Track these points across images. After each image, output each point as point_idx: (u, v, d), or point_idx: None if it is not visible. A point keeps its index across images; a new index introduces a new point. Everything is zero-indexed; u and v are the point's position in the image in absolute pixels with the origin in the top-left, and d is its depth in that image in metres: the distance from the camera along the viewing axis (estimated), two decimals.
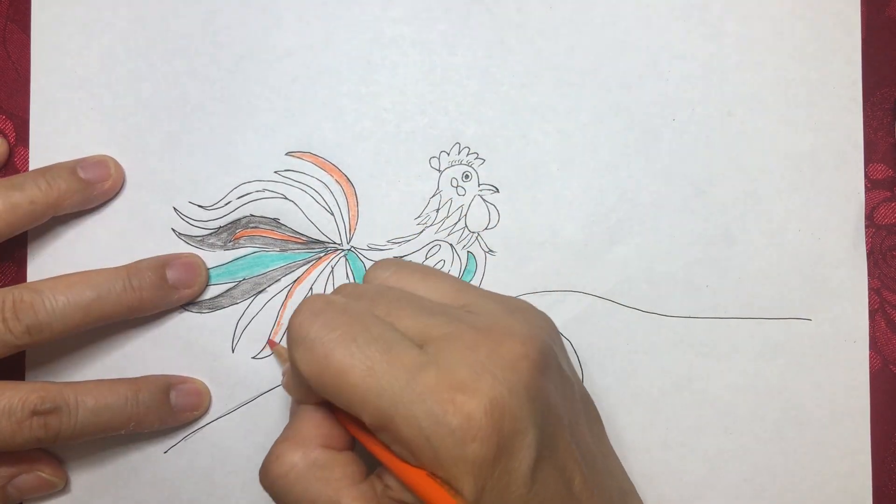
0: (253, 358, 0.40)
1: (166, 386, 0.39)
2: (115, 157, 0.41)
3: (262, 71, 0.41)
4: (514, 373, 0.29)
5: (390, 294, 0.32)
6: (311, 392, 0.31)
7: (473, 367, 0.28)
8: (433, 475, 0.28)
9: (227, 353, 0.40)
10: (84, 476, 0.41)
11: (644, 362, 0.41)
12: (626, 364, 0.41)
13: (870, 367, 0.41)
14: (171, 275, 0.39)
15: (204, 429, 0.40)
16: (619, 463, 0.36)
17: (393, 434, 0.28)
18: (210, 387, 0.40)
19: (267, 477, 0.32)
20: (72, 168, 0.39)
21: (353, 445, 0.33)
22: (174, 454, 0.40)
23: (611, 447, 0.36)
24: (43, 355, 0.40)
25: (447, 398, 0.28)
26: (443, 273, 0.35)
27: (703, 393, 0.41)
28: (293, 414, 0.34)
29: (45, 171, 0.39)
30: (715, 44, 0.41)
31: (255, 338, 0.40)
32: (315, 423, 0.32)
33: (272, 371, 0.40)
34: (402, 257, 0.41)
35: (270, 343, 0.40)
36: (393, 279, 0.34)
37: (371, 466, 0.32)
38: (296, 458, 0.31)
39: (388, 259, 0.39)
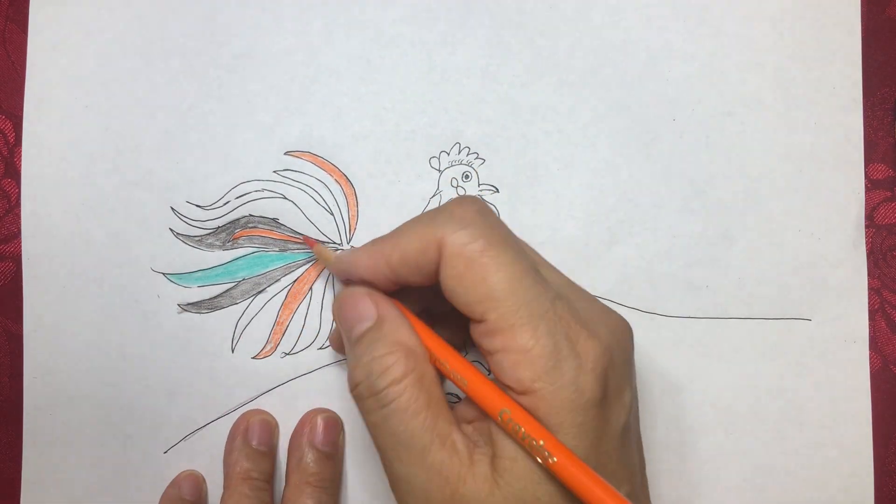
0: (253, 358, 0.40)
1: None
2: (110, 156, 0.40)
3: (260, 70, 0.41)
4: (622, 339, 0.31)
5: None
6: (392, 269, 0.32)
7: (594, 318, 0.30)
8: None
9: (227, 353, 0.40)
10: (84, 476, 0.40)
11: (644, 362, 0.41)
12: None
13: (870, 367, 0.41)
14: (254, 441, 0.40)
15: (204, 429, 0.40)
16: None
17: (511, 341, 0.29)
18: (210, 387, 0.40)
19: (370, 376, 0.32)
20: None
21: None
22: (174, 454, 0.40)
23: None
24: (43, 355, 0.40)
25: (576, 329, 0.29)
26: None
27: (703, 393, 0.41)
28: (357, 318, 0.33)
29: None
30: (715, 44, 0.41)
31: (254, 338, 0.40)
32: (413, 334, 0.33)
33: (272, 371, 0.40)
34: None
35: (307, 239, 0.40)
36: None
37: None
38: (408, 366, 0.31)
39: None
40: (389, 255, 0.32)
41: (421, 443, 0.30)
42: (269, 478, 0.39)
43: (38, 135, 0.41)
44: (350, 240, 0.41)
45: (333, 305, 0.35)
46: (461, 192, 0.41)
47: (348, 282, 0.35)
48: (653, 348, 0.41)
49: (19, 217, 0.41)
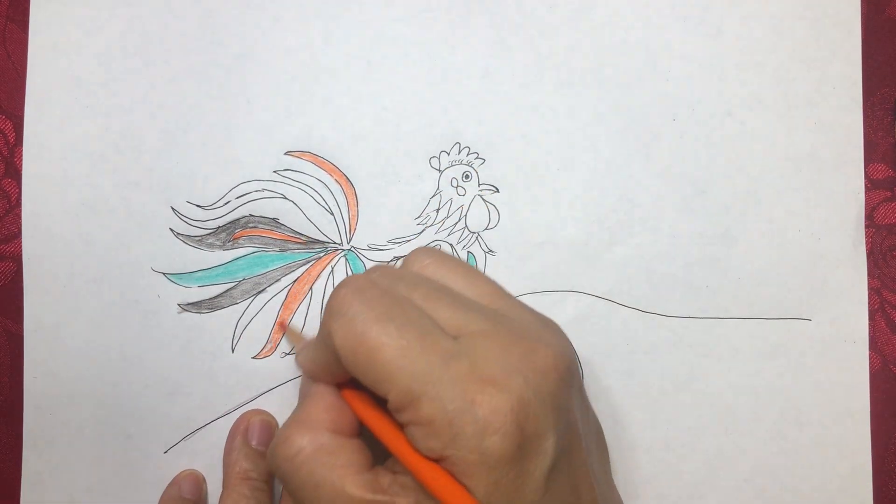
0: (253, 358, 0.40)
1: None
2: (110, 156, 0.40)
3: (260, 70, 0.41)
4: (544, 380, 0.29)
5: (429, 284, 0.32)
6: (330, 369, 0.32)
7: (505, 366, 0.29)
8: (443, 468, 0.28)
9: (226, 353, 0.40)
10: (84, 476, 0.40)
11: (644, 362, 0.41)
12: (626, 364, 0.41)
13: (870, 367, 0.41)
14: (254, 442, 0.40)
15: (204, 429, 0.40)
16: (620, 499, 0.36)
17: (414, 414, 0.28)
18: (210, 387, 0.40)
19: (275, 459, 0.32)
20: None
21: (360, 433, 0.33)
22: (174, 454, 0.40)
23: (613, 482, 0.36)
24: (43, 354, 0.40)
25: (477, 388, 0.28)
26: (481, 273, 0.35)
27: (703, 393, 0.41)
28: (303, 397, 0.34)
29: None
30: (715, 44, 0.41)
31: (254, 338, 0.40)
32: (325, 407, 0.32)
33: (272, 371, 0.40)
34: (402, 257, 0.40)
35: (281, 324, 0.40)
36: (431, 269, 0.34)
37: (376, 457, 0.32)
38: (303, 442, 0.31)
39: (428, 248, 0.37)
40: (320, 362, 0.32)
41: None
42: (269, 478, 0.39)
43: (38, 135, 0.41)
44: (350, 239, 0.41)
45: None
46: (461, 193, 0.41)
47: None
48: (653, 348, 0.41)
49: (19, 217, 0.41)
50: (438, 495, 0.28)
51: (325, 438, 0.31)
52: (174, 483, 0.40)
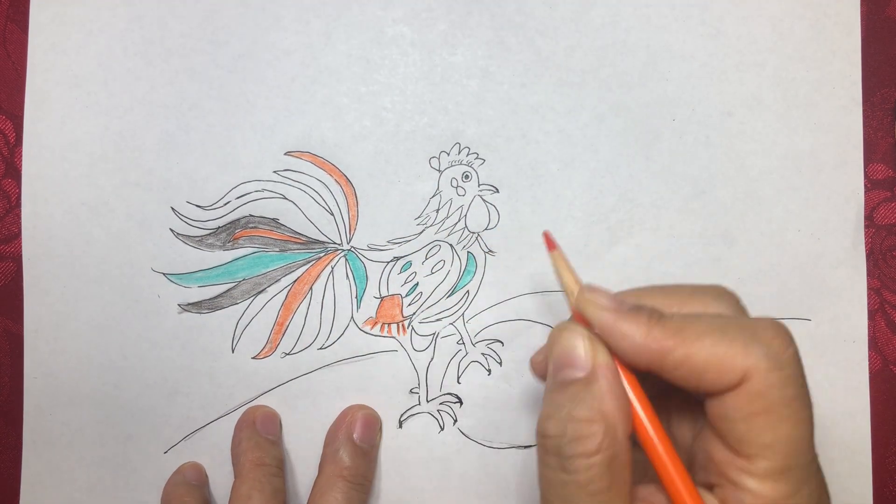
0: (253, 358, 0.40)
1: (252, 423, 0.40)
2: (110, 156, 0.40)
3: (261, 70, 0.41)
4: None
5: None
6: (661, 365, 0.29)
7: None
8: None
9: (227, 353, 0.40)
10: (84, 476, 0.40)
11: None
12: None
13: (870, 367, 0.41)
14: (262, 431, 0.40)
15: (204, 429, 0.40)
16: None
17: (771, 488, 0.28)
18: (210, 387, 0.40)
19: (565, 446, 0.29)
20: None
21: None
22: (174, 454, 0.40)
23: None
24: (43, 355, 0.40)
25: (825, 498, 0.31)
26: None
27: None
28: (591, 376, 0.30)
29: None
30: (715, 44, 0.41)
31: (254, 338, 0.40)
32: (626, 411, 0.29)
33: (272, 371, 0.40)
34: (402, 257, 0.40)
35: (548, 239, 0.33)
36: None
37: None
38: (604, 444, 0.28)
39: None
40: (671, 351, 0.28)
41: None
42: (282, 464, 0.39)
43: (38, 135, 0.41)
44: (350, 239, 0.41)
45: (551, 333, 0.31)
46: (461, 193, 0.41)
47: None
48: None
49: (19, 217, 0.41)
50: None
51: (620, 451, 0.28)
52: (178, 472, 0.40)
